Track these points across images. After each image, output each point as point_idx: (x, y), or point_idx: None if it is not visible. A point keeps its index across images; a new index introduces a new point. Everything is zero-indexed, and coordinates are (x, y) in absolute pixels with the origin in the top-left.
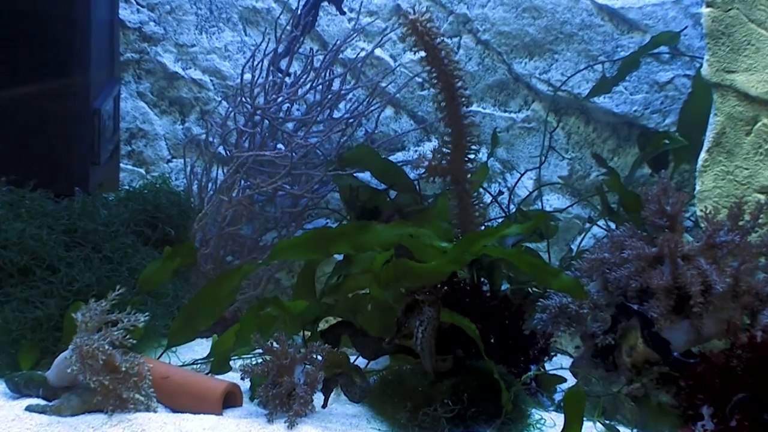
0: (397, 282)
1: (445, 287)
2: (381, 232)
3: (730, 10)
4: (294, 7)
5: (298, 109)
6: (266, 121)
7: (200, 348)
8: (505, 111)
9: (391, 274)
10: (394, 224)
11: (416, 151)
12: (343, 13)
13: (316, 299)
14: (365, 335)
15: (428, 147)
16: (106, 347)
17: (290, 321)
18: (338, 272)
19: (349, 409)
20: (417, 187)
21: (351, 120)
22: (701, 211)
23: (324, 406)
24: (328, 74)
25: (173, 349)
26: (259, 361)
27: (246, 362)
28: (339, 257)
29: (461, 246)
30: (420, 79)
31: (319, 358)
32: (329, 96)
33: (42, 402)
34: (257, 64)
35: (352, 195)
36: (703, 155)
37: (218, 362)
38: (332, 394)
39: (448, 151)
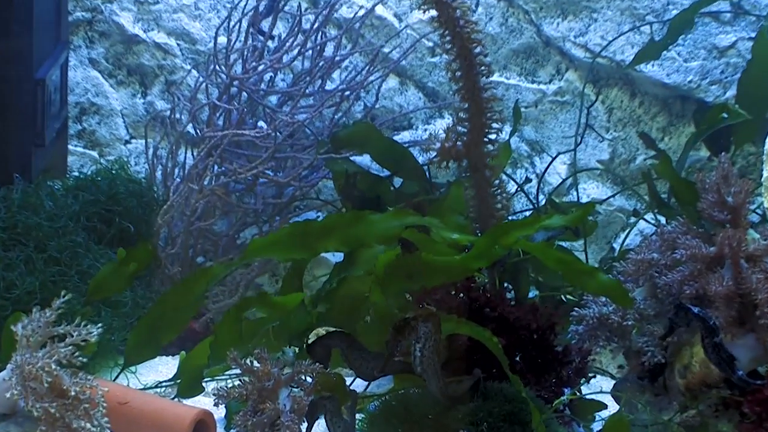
0: (408, 281)
1: (461, 294)
2: (378, 224)
3: None
4: None
5: (283, 80)
6: (245, 94)
7: (165, 367)
8: (533, 82)
9: (401, 271)
10: (394, 213)
11: (426, 130)
12: None
13: (305, 307)
14: (363, 350)
15: (440, 125)
16: (52, 367)
17: (275, 334)
18: (335, 276)
19: None
20: (427, 173)
21: (347, 92)
22: None
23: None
24: (319, 37)
25: (132, 368)
26: (237, 383)
27: (221, 385)
28: (333, 257)
29: (491, 237)
30: (430, 44)
31: (309, 380)
32: (321, 63)
33: None
34: (234, 26)
35: (348, 183)
36: None
37: (187, 384)
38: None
39: (465, 130)
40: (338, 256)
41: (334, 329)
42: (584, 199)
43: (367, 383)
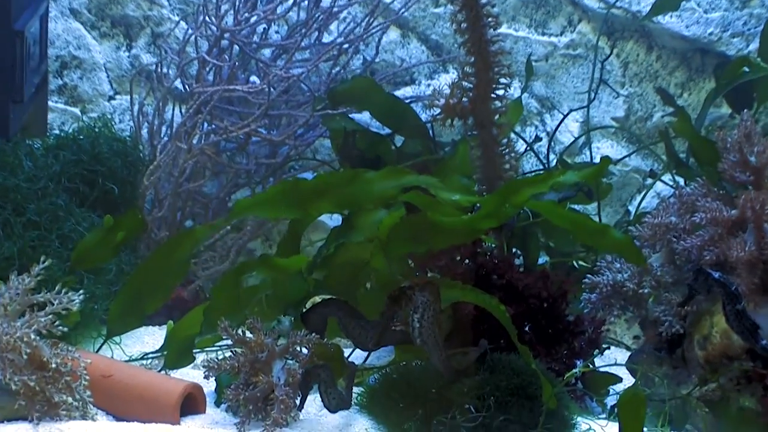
0: (413, 244)
1: (466, 260)
2: (374, 184)
3: None
4: None
5: (277, 32)
6: (236, 48)
7: (151, 338)
8: (544, 34)
9: (406, 234)
10: (391, 172)
11: (429, 85)
12: None
13: (302, 274)
14: (362, 319)
15: (445, 80)
16: (32, 337)
17: (268, 302)
18: (333, 241)
19: (341, 415)
20: (430, 132)
21: (345, 46)
22: None
23: (299, 408)
24: None
25: (116, 339)
26: (228, 354)
27: (211, 356)
28: (330, 221)
29: (501, 195)
30: None
31: (305, 351)
32: (317, 15)
33: None
34: None
35: (346, 142)
36: None
37: (175, 356)
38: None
39: (470, 85)
40: (335, 220)
41: (330, 297)
42: (598, 160)
43: (366, 355)
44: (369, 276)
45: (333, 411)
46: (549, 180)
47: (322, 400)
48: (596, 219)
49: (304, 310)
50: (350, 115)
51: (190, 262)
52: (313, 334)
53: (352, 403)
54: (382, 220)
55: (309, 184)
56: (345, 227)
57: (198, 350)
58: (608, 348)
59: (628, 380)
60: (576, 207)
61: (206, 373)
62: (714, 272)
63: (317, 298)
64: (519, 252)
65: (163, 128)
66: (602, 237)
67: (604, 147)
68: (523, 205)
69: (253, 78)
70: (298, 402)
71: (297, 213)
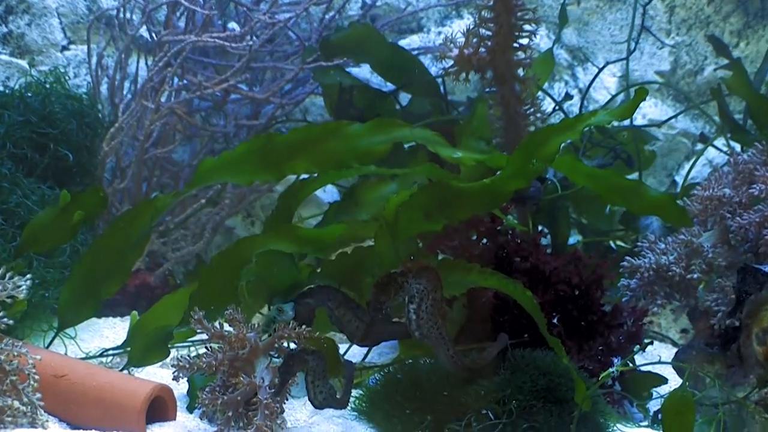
0: (426, 221)
1: (484, 240)
2: (360, 138)
3: None
4: None
5: None
6: None
7: (112, 331)
8: None
9: (417, 209)
10: (380, 124)
11: (440, 33)
12: None
13: (293, 259)
14: (359, 309)
15: (458, 27)
16: None
17: (250, 291)
18: (331, 219)
19: (336, 422)
20: (441, 88)
21: None
22: None
23: (278, 394)
24: None
25: (70, 332)
26: (202, 351)
27: (182, 353)
28: (325, 195)
29: (526, 149)
30: None
31: (293, 346)
32: None
33: None
34: None
35: (342, 100)
36: None
37: (141, 352)
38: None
39: (489, 33)
40: (331, 193)
41: (318, 285)
42: (639, 122)
43: (365, 351)
44: (376, 262)
45: (319, 407)
46: (579, 124)
47: (308, 394)
48: None
49: (290, 299)
50: (346, 69)
51: (150, 236)
52: (303, 327)
53: (349, 407)
54: (389, 199)
55: (283, 140)
56: (346, 203)
57: (170, 346)
58: (651, 343)
59: (674, 381)
60: None
61: (176, 373)
62: (764, 266)
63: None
64: (546, 230)
65: (126, 84)
66: (635, 196)
67: (647, 106)
68: (554, 158)
69: (232, 25)
70: (289, 407)
71: (270, 174)
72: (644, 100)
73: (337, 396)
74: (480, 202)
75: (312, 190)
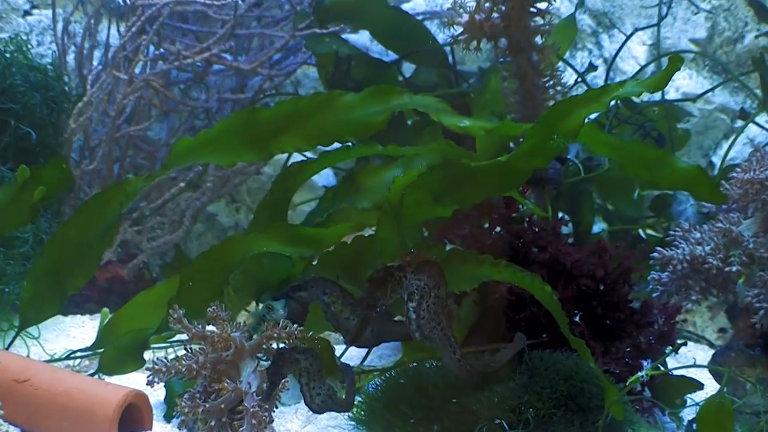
0: (434, 206)
1: (497, 229)
2: (355, 109)
3: None
4: None
5: None
6: None
7: (80, 331)
8: None
9: (426, 192)
10: (377, 92)
11: None
12: None
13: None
14: (358, 306)
15: None
16: None
17: (236, 287)
18: (328, 206)
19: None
20: (450, 58)
21: None
22: None
23: (266, 400)
24: None
25: (33, 331)
26: (182, 353)
27: (158, 355)
28: (319, 178)
29: (547, 122)
30: None
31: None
32: None
33: None
34: None
35: (338, 70)
36: None
37: (114, 356)
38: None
39: None
40: (327, 177)
41: (313, 276)
42: (672, 96)
43: (365, 354)
44: (379, 253)
45: (318, 411)
46: (606, 95)
47: (303, 397)
48: None
49: (281, 293)
50: (343, 36)
51: (121, 223)
52: (295, 325)
53: (346, 415)
54: (395, 179)
55: (268, 115)
56: (345, 188)
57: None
58: (685, 344)
59: (711, 387)
60: None
61: (151, 377)
62: None
63: None
64: (567, 217)
65: (96, 53)
66: (663, 168)
67: (680, 78)
68: (577, 133)
69: None
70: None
71: (254, 153)
72: (678, 70)
73: (337, 397)
74: (494, 182)
75: (311, 174)
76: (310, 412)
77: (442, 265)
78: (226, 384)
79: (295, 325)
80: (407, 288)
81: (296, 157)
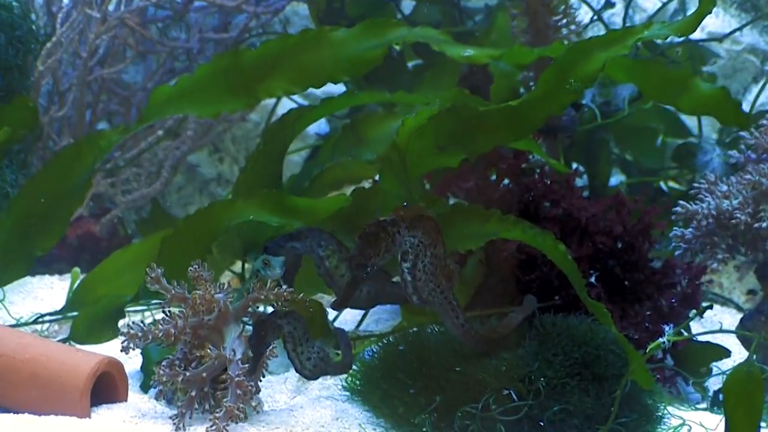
0: (438, 155)
1: (505, 181)
2: (348, 45)
3: None
4: None
5: None
6: None
7: (48, 293)
8: None
9: (431, 139)
10: (371, 26)
11: None
12: None
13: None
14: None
15: None
16: None
17: (219, 244)
18: (327, 156)
19: (324, 404)
20: None
21: None
22: None
23: (252, 372)
24: None
25: None
26: (160, 317)
27: (135, 319)
28: (311, 127)
29: (562, 64)
30: None
31: (270, 310)
32: None
33: None
34: None
35: (331, 7)
36: None
37: (87, 322)
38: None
39: None
40: (321, 126)
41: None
42: (697, 36)
43: (360, 317)
44: (382, 205)
45: (312, 376)
46: (630, 37)
47: (293, 364)
48: (690, 123)
49: (271, 242)
50: None
51: (92, 179)
52: (284, 287)
53: (340, 386)
54: (404, 121)
55: (254, 56)
56: (346, 138)
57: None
58: (710, 307)
59: (738, 354)
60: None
61: (126, 342)
62: None
63: None
64: (582, 169)
65: None
66: (683, 91)
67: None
68: (596, 78)
69: None
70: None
71: (239, 100)
72: (710, 12)
73: (331, 359)
74: (504, 129)
75: (311, 121)
76: (300, 382)
77: (441, 221)
78: (208, 351)
79: (285, 287)
80: (400, 246)
81: (286, 104)
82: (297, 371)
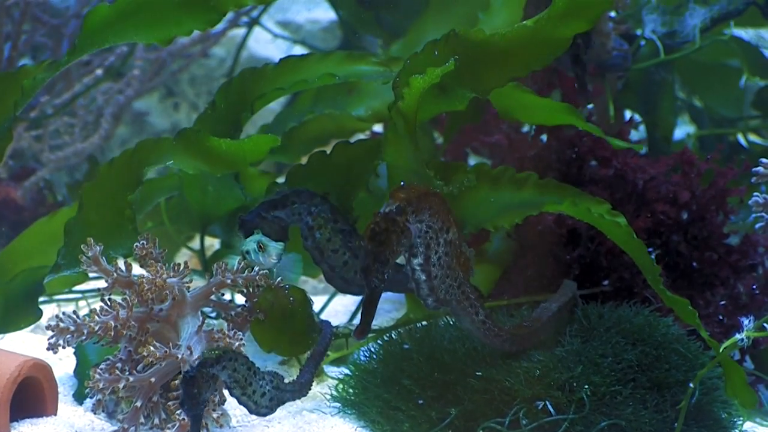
0: (442, 99)
1: (541, 136)
2: None
3: None
4: None
5: None
6: None
7: None
8: None
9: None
10: None
11: None
12: None
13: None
14: (354, 233)
15: None
16: None
17: (173, 216)
18: (307, 107)
19: (307, 419)
20: None
21: None
22: None
23: None
24: None
25: None
26: (98, 307)
27: (66, 310)
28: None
29: None
30: None
31: (242, 300)
32: None
33: None
34: None
35: None
36: None
37: (4, 307)
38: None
39: None
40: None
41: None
42: None
43: (354, 308)
44: (374, 168)
45: (270, 412)
46: None
47: (247, 408)
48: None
49: (244, 215)
50: None
51: (12, 130)
52: (255, 269)
53: (329, 395)
54: (411, 82)
55: None
56: (334, 87)
57: (47, 298)
58: None
59: None
60: (743, 36)
61: (54, 338)
62: None
63: None
64: (638, 118)
65: None
66: None
67: None
68: None
69: None
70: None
71: (199, 17)
72: None
73: (285, 383)
74: (519, 57)
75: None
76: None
77: (460, 192)
78: (155, 349)
79: (256, 269)
80: (408, 238)
81: (258, 35)
82: (252, 413)
